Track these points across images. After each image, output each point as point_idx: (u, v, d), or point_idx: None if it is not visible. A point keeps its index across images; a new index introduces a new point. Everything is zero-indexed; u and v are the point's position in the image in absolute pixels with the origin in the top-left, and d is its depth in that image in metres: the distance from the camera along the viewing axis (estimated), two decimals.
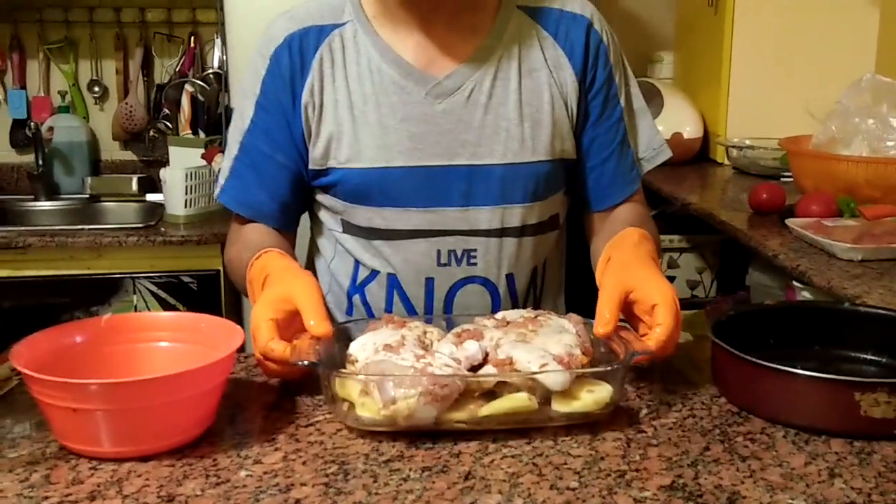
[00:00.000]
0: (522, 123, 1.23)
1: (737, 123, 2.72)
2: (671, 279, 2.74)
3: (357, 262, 1.30)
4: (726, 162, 2.72)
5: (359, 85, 1.22)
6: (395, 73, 1.22)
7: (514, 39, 1.24)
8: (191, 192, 2.56)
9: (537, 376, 0.91)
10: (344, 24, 1.24)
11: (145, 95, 3.04)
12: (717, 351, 1.01)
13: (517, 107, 1.23)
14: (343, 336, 1.05)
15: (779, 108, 2.63)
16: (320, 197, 1.30)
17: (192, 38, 3.01)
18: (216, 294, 2.52)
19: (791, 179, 2.19)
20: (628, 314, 1.06)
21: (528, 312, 1.09)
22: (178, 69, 3.02)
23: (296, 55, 1.22)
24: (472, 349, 0.96)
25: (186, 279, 2.51)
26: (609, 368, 0.96)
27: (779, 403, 0.94)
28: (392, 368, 0.91)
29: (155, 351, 1.02)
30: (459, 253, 1.25)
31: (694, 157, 2.81)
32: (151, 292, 2.50)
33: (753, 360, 0.95)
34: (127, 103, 3.02)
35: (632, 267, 1.07)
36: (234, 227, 1.32)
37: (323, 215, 1.32)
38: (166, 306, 2.50)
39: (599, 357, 1.02)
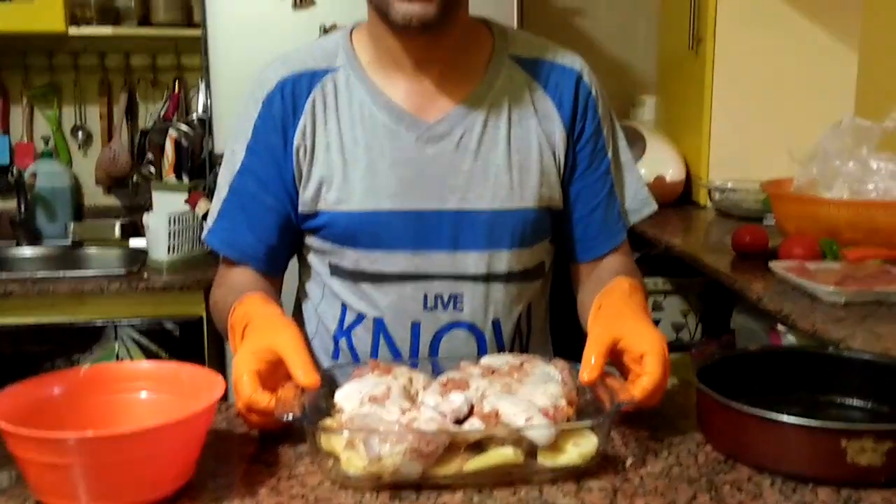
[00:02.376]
0: (511, 170, 1.24)
1: (719, 166, 2.74)
2: (656, 322, 2.73)
3: (344, 306, 1.29)
4: (709, 204, 2.73)
5: (350, 128, 1.23)
6: (386, 117, 1.23)
7: (504, 88, 1.25)
8: (174, 238, 2.55)
9: (523, 431, 0.91)
10: (337, 69, 1.25)
11: (129, 140, 3.04)
12: (703, 397, 1.01)
13: (506, 153, 1.24)
14: (328, 382, 1.04)
15: (760, 151, 2.66)
16: (309, 240, 1.30)
17: (177, 83, 3.02)
18: (199, 340, 2.50)
19: (774, 221, 2.20)
20: (617, 362, 1.05)
21: (513, 358, 1.08)
22: (162, 114, 3.02)
23: (288, 99, 1.23)
24: (457, 402, 0.96)
25: (169, 325, 2.49)
26: (594, 422, 0.95)
27: (765, 451, 0.93)
28: (377, 423, 0.90)
29: (135, 402, 1.00)
30: (446, 297, 1.25)
31: (677, 199, 2.83)
32: (133, 339, 2.48)
33: (738, 406, 0.94)
34: (111, 148, 3.01)
35: (622, 315, 1.08)
36: (221, 270, 1.32)
37: (311, 258, 1.32)
38: (148, 353, 2.47)
39: (585, 405, 1.01)
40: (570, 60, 1.30)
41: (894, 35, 2.58)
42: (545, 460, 0.92)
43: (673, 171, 2.80)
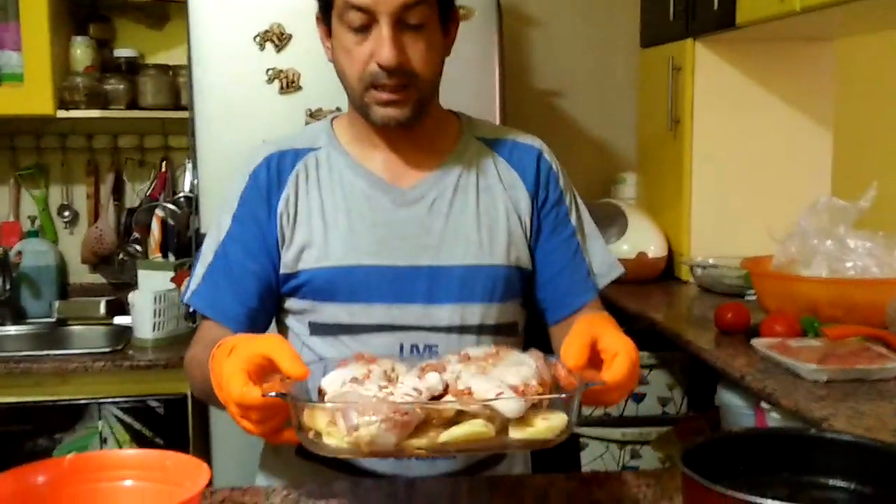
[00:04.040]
0: (480, 231, 1.33)
1: (700, 242, 2.78)
2: (642, 396, 2.74)
3: None
4: (691, 280, 2.76)
5: (331, 196, 1.32)
6: (364, 184, 1.33)
7: (472, 161, 1.37)
8: (159, 316, 2.55)
9: (493, 404, 0.95)
10: (319, 148, 1.36)
11: (115, 219, 3.06)
12: (688, 481, 1.01)
13: (475, 217, 1.33)
14: (316, 375, 1.06)
15: (740, 228, 2.70)
16: (289, 302, 1.35)
17: (164, 162, 3.05)
18: (183, 419, 2.48)
19: (755, 297, 2.23)
20: (593, 363, 1.08)
21: (490, 348, 1.11)
22: (148, 193, 3.04)
23: (273, 172, 1.34)
24: (433, 380, 1.00)
25: (153, 403, 2.47)
26: (563, 395, 0.99)
27: None
28: (356, 398, 0.94)
29: (119, 491, 1.00)
30: (421, 347, 1.31)
31: (659, 275, 2.85)
32: (117, 418, 2.46)
33: (722, 490, 0.94)
34: (97, 227, 3.03)
35: (601, 324, 1.12)
36: (199, 332, 1.36)
37: (290, 321, 1.37)
38: (132, 431, 2.45)
39: (557, 392, 1.03)
40: (531, 140, 1.42)
41: (866, 116, 2.65)
42: (516, 433, 0.95)
43: (655, 248, 2.83)
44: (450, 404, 0.96)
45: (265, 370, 1.01)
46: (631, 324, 2.62)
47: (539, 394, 0.98)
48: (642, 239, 2.83)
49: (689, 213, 2.78)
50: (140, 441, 2.44)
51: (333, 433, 0.94)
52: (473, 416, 0.95)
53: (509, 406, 0.94)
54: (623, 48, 3.24)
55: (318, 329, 1.33)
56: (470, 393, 0.97)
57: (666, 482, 1.15)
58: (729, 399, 2.06)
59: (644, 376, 2.74)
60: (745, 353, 1.84)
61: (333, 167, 1.34)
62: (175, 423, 2.47)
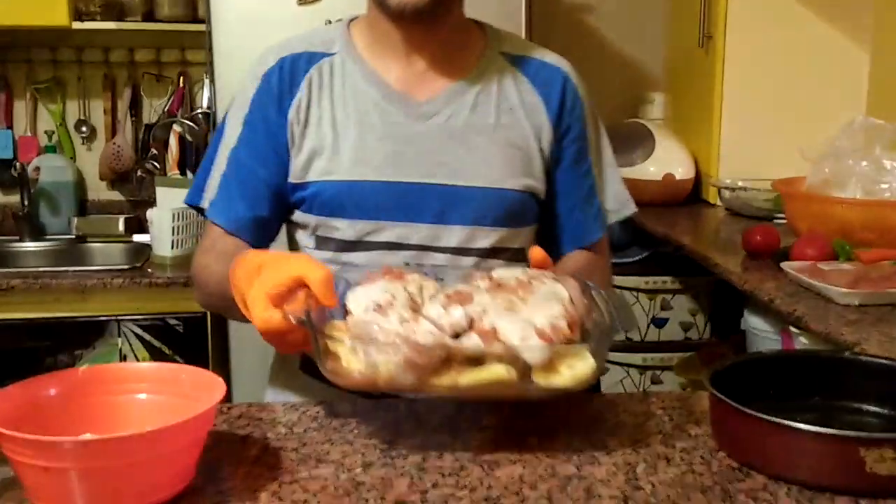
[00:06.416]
0: (496, 154, 1.29)
1: (729, 164, 2.71)
2: (664, 321, 2.71)
3: None
4: (719, 203, 2.70)
5: (342, 105, 1.28)
6: (377, 94, 1.28)
7: (494, 79, 1.31)
8: (178, 233, 2.53)
9: (516, 350, 0.91)
10: (334, 54, 1.31)
11: (133, 135, 3.02)
12: (716, 404, 0.98)
13: (491, 138, 1.29)
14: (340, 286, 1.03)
15: (771, 149, 2.63)
16: (297, 215, 1.31)
17: (181, 77, 3.00)
18: (202, 337, 2.48)
19: (785, 221, 2.17)
20: None
21: (522, 274, 1.05)
22: (166, 109, 3.00)
23: (286, 75, 1.29)
24: (456, 315, 0.95)
25: (172, 321, 2.47)
26: (588, 344, 0.94)
27: (780, 459, 0.90)
28: (376, 332, 0.91)
29: (134, 403, 0.98)
30: (427, 268, 1.26)
31: (686, 198, 2.80)
32: (136, 335, 2.46)
33: (753, 413, 0.92)
34: (115, 143, 2.99)
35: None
36: (213, 235, 1.31)
37: (299, 235, 1.34)
38: (151, 349, 2.46)
39: (593, 327, 0.99)
40: (558, 61, 1.36)
41: None
42: (539, 380, 0.92)
43: (682, 170, 2.77)
44: (472, 348, 0.92)
45: (291, 293, 0.97)
46: (657, 247, 2.58)
47: (567, 336, 0.94)
48: (669, 160, 2.76)
49: (719, 134, 2.71)
50: (159, 358, 2.45)
51: (353, 362, 0.92)
52: (497, 357, 0.92)
53: (533, 355, 0.91)
54: None
55: (324, 244, 1.29)
56: (495, 333, 0.93)
57: (692, 405, 1.12)
58: (755, 323, 2.03)
59: (668, 301, 2.71)
60: (773, 276, 1.80)
61: (347, 77, 1.29)
62: (194, 340, 2.47)
